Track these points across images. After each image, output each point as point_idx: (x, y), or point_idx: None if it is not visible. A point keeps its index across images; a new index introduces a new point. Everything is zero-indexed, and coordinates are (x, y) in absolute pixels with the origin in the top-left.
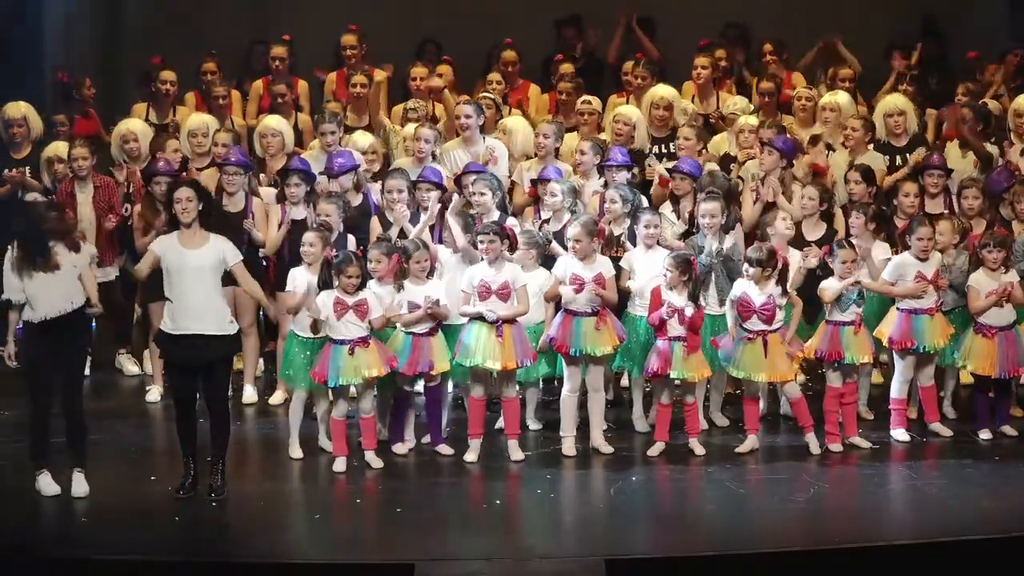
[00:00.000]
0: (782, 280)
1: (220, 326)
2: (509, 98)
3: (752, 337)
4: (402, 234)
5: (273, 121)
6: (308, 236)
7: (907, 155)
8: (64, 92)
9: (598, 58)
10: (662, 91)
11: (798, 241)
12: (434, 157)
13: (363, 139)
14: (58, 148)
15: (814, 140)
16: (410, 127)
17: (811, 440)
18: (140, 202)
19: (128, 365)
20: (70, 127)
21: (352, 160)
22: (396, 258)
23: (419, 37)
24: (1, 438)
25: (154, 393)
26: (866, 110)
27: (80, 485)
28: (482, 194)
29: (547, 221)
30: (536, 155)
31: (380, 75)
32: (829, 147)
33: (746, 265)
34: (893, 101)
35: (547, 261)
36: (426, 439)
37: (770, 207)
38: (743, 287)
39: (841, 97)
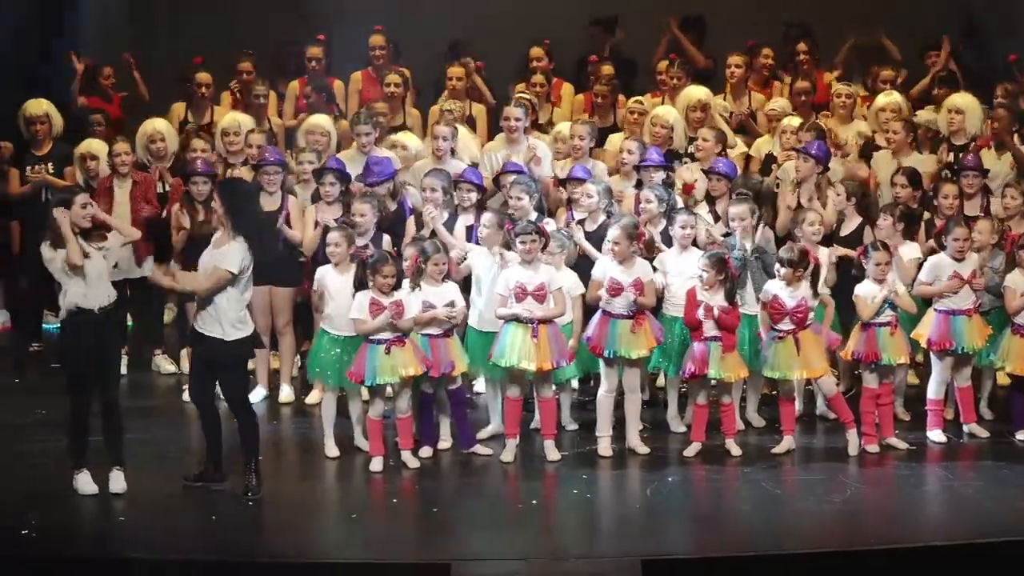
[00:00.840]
0: (814, 281)
1: (225, 330)
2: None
3: (783, 336)
4: (434, 234)
5: (322, 120)
6: (333, 235)
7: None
8: (89, 79)
9: (629, 58)
10: (696, 93)
11: (831, 236)
12: (453, 153)
13: (412, 140)
14: (92, 145)
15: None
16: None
17: (851, 436)
18: (176, 201)
19: (164, 364)
20: (106, 124)
21: (390, 167)
22: (415, 257)
23: (452, 37)
24: (38, 437)
25: (188, 394)
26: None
27: (118, 483)
28: (519, 198)
29: (582, 222)
30: (571, 156)
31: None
32: (876, 147)
33: (777, 266)
34: (954, 99)
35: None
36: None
37: (799, 208)
38: (775, 289)
39: (896, 98)
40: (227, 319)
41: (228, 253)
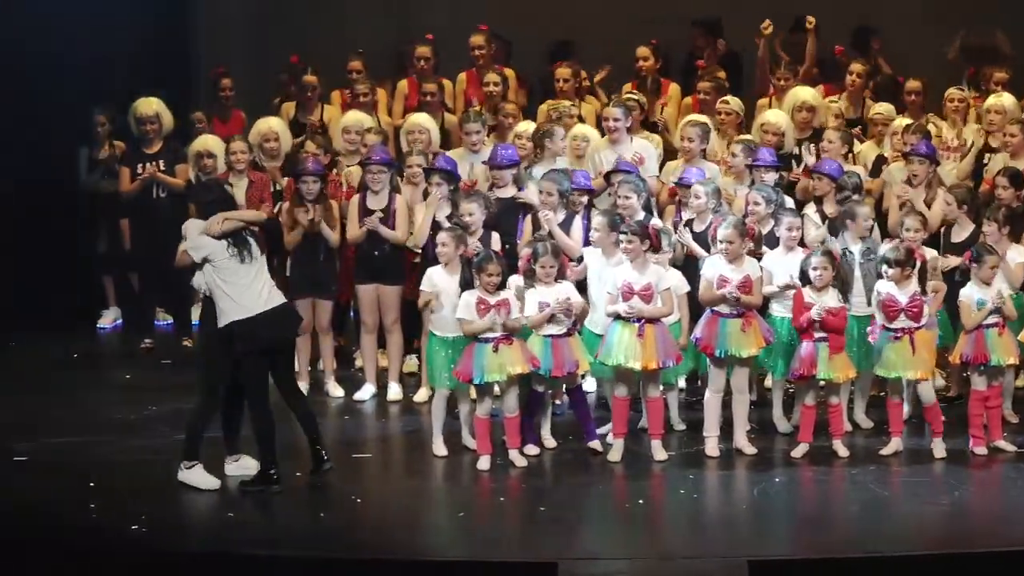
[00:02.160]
0: (922, 279)
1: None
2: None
3: (899, 336)
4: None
5: (421, 118)
6: (441, 235)
7: None
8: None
9: (735, 58)
10: (804, 94)
11: (942, 244)
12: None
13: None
14: (207, 142)
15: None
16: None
17: (937, 445)
18: (288, 200)
19: None
20: (208, 124)
21: (515, 155)
22: (527, 257)
23: (556, 38)
24: (149, 433)
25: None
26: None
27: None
28: (627, 197)
29: (690, 222)
30: (681, 157)
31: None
32: (990, 149)
33: (885, 266)
34: None
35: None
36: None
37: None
38: (886, 287)
39: (1006, 100)
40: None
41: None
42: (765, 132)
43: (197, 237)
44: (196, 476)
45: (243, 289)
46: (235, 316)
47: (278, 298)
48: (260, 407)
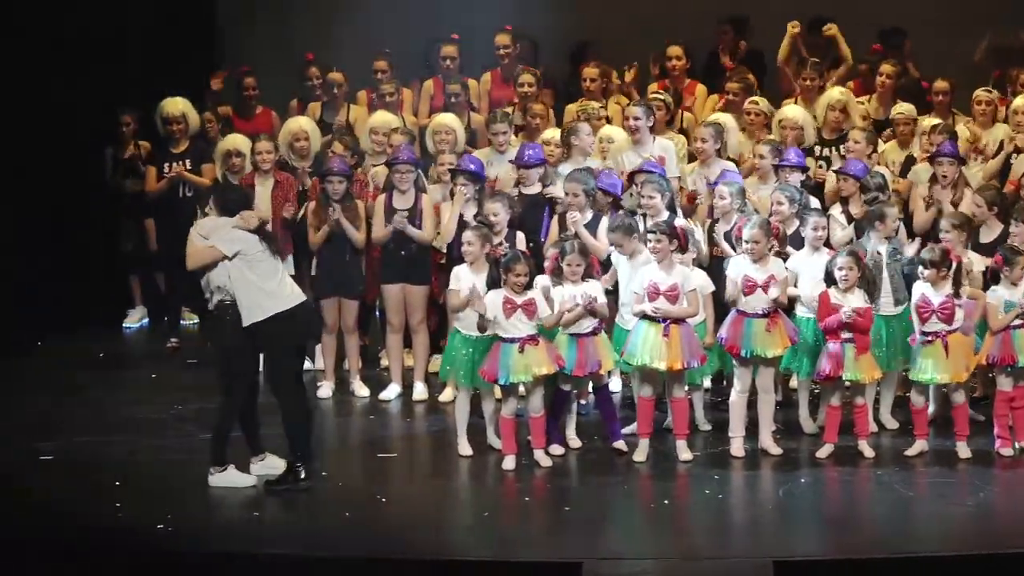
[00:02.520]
0: (956, 281)
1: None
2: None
3: (931, 340)
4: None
5: (448, 119)
6: (467, 234)
7: None
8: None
9: (759, 58)
10: (838, 94)
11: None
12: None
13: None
14: (236, 141)
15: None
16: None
17: (961, 447)
18: (314, 200)
19: None
20: (217, 123)
21: (543, 154)
22: (554, 257)
23: (583, 38)
24: (174, 433)
25: (325, 389)
26: None
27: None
28: (651, 197)
29: (716, 222)
30: (697, 158)
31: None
32: (1017, 151)
33: (921, 267)
34: None
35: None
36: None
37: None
38: (921, 289)
39: None
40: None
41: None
42: (783, 128)
43: (230, 231)
44: (229, 477)
45: (276, 283)
46: (271, 309)
47: (301, 294)
48: (297, 401)
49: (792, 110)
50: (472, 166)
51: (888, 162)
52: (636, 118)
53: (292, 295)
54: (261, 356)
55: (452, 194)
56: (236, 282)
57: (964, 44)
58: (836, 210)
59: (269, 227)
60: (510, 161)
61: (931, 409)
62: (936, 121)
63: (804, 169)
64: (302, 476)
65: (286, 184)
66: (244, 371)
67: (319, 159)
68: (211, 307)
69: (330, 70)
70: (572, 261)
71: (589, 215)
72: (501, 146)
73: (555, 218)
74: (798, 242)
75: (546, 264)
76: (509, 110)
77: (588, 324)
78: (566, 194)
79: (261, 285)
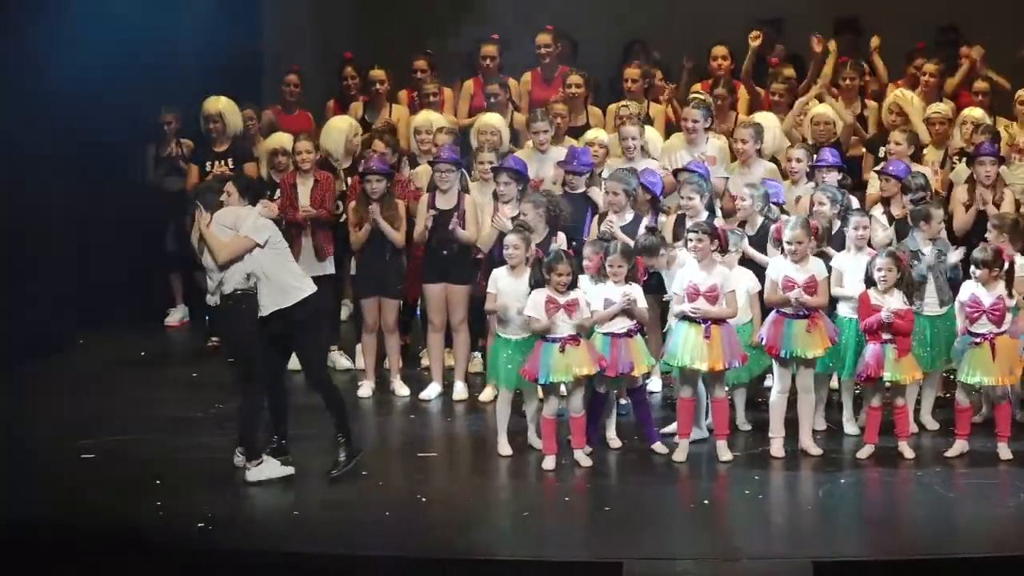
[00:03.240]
0: (1009, 281)
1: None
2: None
3: (979, 341)
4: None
5: (493, 119)
6: (511, 239)
7: None
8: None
9: (796, 59)
10: (897, 96)
11: None
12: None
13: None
14: (282, 139)
15: None
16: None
17: (1003, 449)
18: (354, 199)
19: (340, 360)
20: (258, 121)
21: (591, 161)
22: (598, 257)
23: (626, 38)
24: (215, 431)
25: (366, 388)
26: None
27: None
28: (690, 198)
29: (742, 225)
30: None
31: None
32: None
33: (973, 267)
34: None
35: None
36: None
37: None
38: (971, 289)
39: None
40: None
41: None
42: (816, 124)
43: (256, 219)
44: (267, 470)
45: (296, 267)
46: (301, 292)
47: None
48: (328, 379)
49: (824, 108)
50: (516, 166)
51: (928, 162)
52: (695, 120)
53: (309, 280)
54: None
55: (495, 195)
56: (269, 268)
57: (1004, 44)
58: (877, 211)
59: (308, 226)
60: (558, 163)
61: (984, 410)
62: (977, 112)
63: (840, 168)
64: (357, 449)
65: (325, 184)
66: (259, 359)
67: (360, 159)
68: (215, 301)
69: (370, 68)
70: (613, 262)
71: (630, 216)
72: (542, 145)
73: (595, 218)
74: (840, 243)
75: (587, 264)
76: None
77: (623, 325)
78: (606, 193)
79: (291, 268)
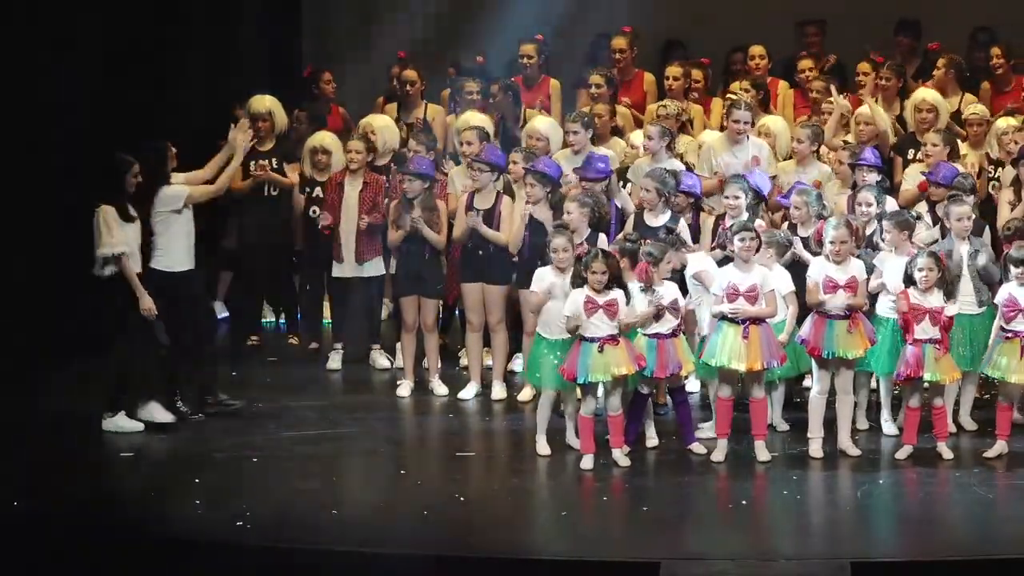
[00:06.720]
0: None
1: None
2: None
3: (1011, 337)
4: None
5: (542, 124)
6: (559, 240)
7: None
8: (306, 86)
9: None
10: (925, 93)
11: None
12: (671, 151)
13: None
14: (324, 139)
15: None
16: None
17: None
18: (395, 199)
19: (380, 359)
20: (308, 122)
21: (608, 168)
22: (644, 265)
23: (662, 38)
24: (251, 430)
25: (405, 388)
26: None
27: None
28: (736, 197)
29: (794, 227)
30: (794, 158)
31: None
32: None
33: (1011, 266)
34: None
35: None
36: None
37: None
38: (1009, 288)
39: None
40: None
41: None
42: (858, 123)
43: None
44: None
45: None
46: None
47: None
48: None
49: (866, 109)
50: (546, 168)
51: (967, 164)
52: (746, 122)
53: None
54: None
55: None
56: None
57: None
58: (922, 209)
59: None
60: (574, 170)
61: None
62: (1013, 121)
63: (881, 169)
64: None
65: (374, 186)
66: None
67: (402, 159)
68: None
69: (406, 68)
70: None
71: (667, 215)
72: (575, 146)
73: (630, 220)
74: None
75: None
76: (586, 110)
77: (668, 326)
78: (641, 189)
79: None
